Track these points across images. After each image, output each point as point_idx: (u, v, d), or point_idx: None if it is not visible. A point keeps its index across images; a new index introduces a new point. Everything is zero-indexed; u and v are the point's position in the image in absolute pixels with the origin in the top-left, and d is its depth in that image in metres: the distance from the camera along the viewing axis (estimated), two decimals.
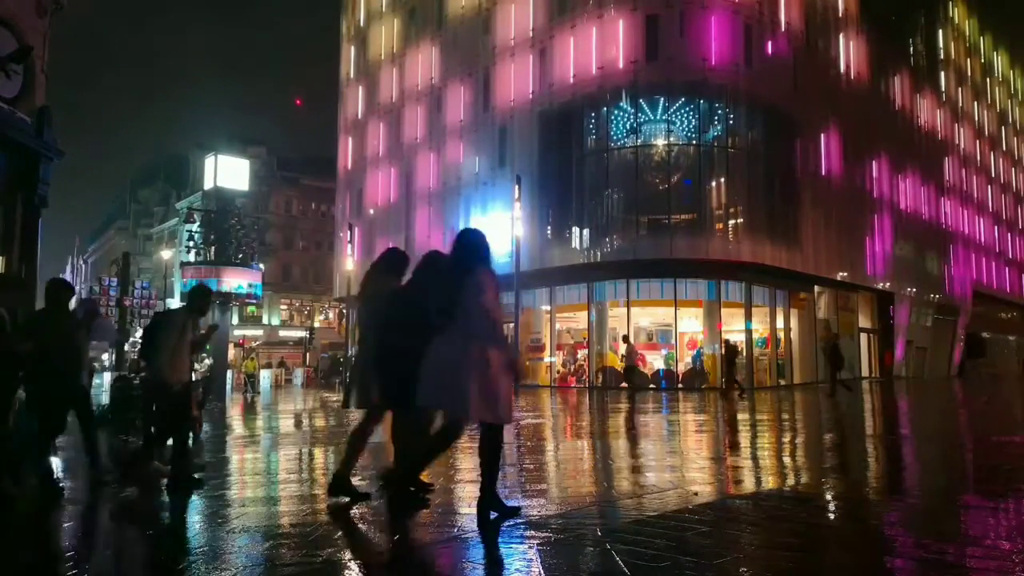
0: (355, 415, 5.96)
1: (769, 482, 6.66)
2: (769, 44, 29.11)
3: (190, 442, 7.51)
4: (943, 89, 44.91)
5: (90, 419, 6.72)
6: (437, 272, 5.08)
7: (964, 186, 47.19)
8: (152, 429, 7.75)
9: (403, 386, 4.93)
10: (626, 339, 21.82)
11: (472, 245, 4.90)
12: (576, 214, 28.82)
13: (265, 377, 40.18)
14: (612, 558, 3.87)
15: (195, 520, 5.39)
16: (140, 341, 6.86)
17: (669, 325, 27.56)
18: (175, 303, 53.93)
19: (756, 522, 4.99)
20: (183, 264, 30.72)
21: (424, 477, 5.71)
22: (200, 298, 6.76)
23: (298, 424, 14.42)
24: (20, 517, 5.58)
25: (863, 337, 34.75)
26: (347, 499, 5.47)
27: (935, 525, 4.91)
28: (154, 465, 6.97)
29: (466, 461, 7.36)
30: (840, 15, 34.38)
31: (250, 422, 15.06)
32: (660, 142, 27.74)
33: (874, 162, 36.08)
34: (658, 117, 27.71)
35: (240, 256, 27.77)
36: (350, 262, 38.59)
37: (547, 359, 29.62)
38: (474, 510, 4.72)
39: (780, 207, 28.61)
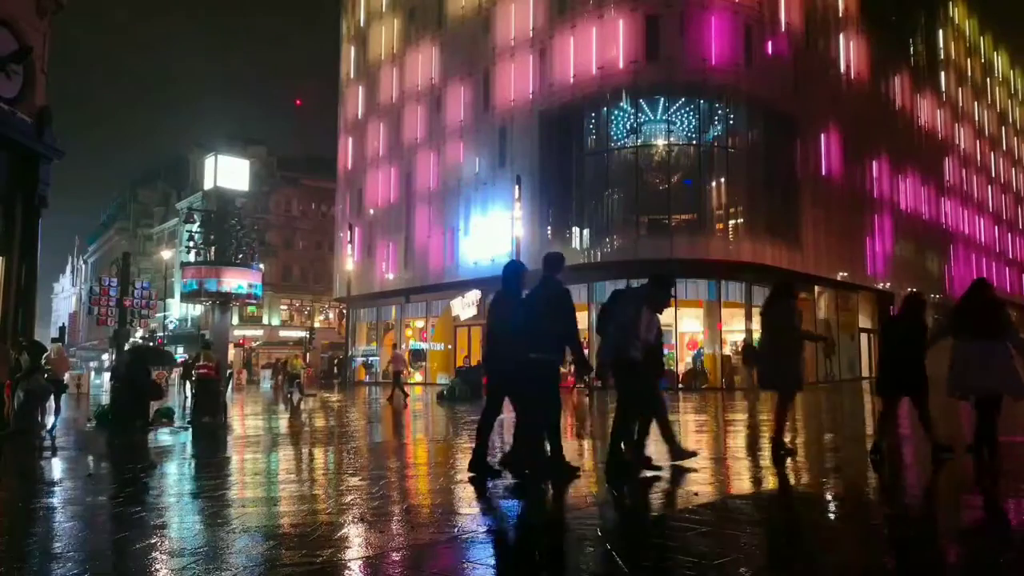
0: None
1: (769, 482, 6.65)
2: (769, 44, 29.11)
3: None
4: (943, 89, 44.90)
5: None
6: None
7: (964, 186, 47.18)
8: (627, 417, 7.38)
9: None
10: None
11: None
12: (576, 214, 28.80)
13: (265, 378, 40.21)
14: (612, 558, 3.87)
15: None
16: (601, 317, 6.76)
17: (669, 325, 27.49)
18: (175, 303, 54.07)
19: (756, 522, 4.99)
20: (183, 264, 30.64)
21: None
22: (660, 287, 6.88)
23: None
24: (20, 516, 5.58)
25: (863, 337, 34.72)
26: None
27: (936, 525, 4.90)
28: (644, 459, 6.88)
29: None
30: (840, 15, 34.37)
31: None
32: (660, 142, 27.73)
33: (874, 162, 36.07)
34: (658, 117, 27.71)
35: (240, 256, 27.83)
36: (350, 262, 38.61)
37: None
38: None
39: (780, 207, 28.60)
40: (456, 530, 4.66)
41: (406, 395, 22.28)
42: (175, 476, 7.71)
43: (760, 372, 8.38)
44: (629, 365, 6.47)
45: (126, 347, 21.76)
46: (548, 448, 6.36)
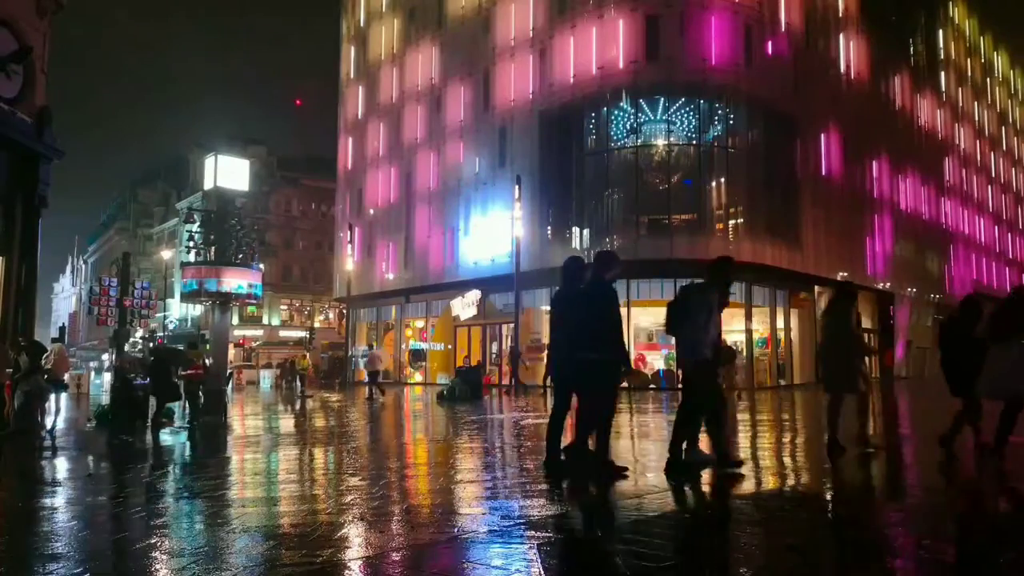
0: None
1: (769, 482, 6.65)
2: (769, 44, 29.10)
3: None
4: (943, 89, 44.90)
5: None
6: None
7: (964, 186, 47.18)
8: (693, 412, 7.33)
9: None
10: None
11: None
12: (576, 214, 28.80)
13: (265, 378, 40.22)
14: (612, 558, 3.87)
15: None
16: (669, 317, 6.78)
17: None
18: (175, 303, 54.08)
19: (756, 522, 4.99)
20: (183, 264, 30.62)
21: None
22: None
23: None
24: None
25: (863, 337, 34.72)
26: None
27: (935, 525, 4.90)
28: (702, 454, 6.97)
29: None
30: (840, 15, 34.36)
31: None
32: (660, 142, 27.73)
33: (874, 162, 36.07)
34: (658, 117, 27.71)
35: (240, 256, 27.81)
36: (350, 262, 38.60)
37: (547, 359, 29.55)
38: None
39: (780, 207, 28.59)
40: (456, 530, 4.66)
41: (382, 393, 22.42)
42: (175, 476, 7.71)
43: (824, 374, 8.40)
44: (703, 365, 6.57)
45: (123, 348, 21.79)
46: (594, 447, 6.55)
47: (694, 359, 6.65)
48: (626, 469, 6.67)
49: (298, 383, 24.43)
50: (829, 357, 8.07)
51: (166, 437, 11.35)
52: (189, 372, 13.73)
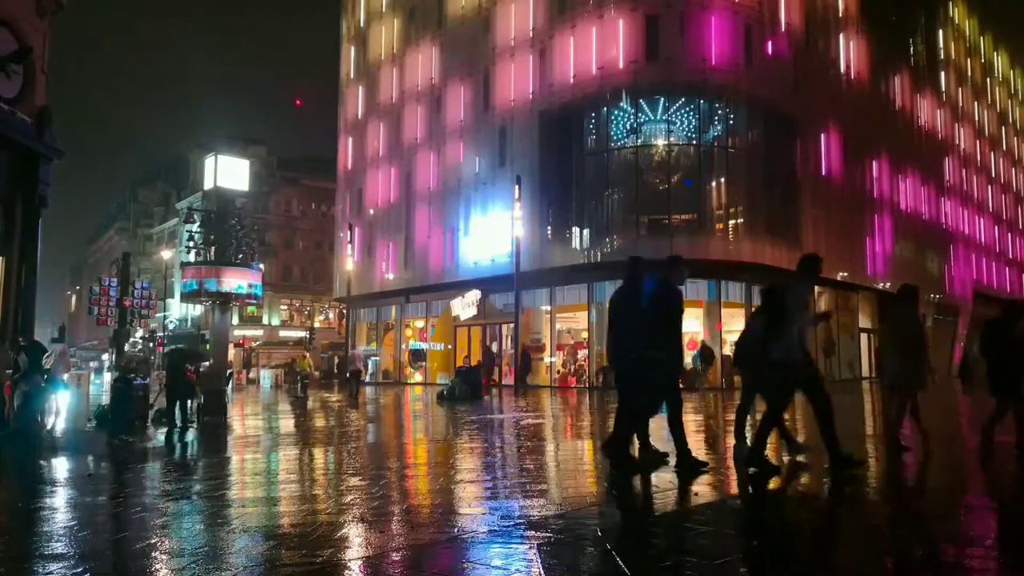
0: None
1: (769, 483, 6.64)
2: (769, 44, 29.09)
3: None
4: (943, 89, 44.89)
5: None
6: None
7: (964, 186, 47.16)
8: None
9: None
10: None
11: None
12: (576, 214, 28.79)
13: (266, 378, 40.23)
14: (612, 558, 3.87)
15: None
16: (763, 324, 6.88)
17: None
18: (175, 303, 54.09)
19: (756, 522, 4.99)
20: (183, 264, 30.58)
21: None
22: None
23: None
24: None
25: (863, 337, 34.71)
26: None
27: (935, 525, 4.90)
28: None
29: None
30: (840, 15, 34.36)
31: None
32: (660, 142, 27.71)
33: (874, 162, 36.05)
34: (658, 117, 27.69)
35: (240, 256, 27.76)
36: (350, 262, 38.60)
37: (547, 359, 29.59)
38: None
39: (780, 207, 28.58)
40: (456, 530, 4.66)
41: (358, 392, 22.46)
42: (175, 476, 7.71)
43: (887, 372, 8.56)
44: (795, 366, 6.59)
45: (124, 349, 21.81)
46: (675, 445, 6.83)
47: (788, 359, 6.53)
48: (706, 464, 6.90)
49: (298, 385, 24.26)
50: (898, 356, 8.16)
51: (163, 437, 11.35)
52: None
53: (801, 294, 6.81)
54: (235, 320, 43.13)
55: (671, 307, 6.74)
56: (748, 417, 8.04)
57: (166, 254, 54.26)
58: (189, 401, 13.16)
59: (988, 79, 53.24)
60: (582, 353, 28.93)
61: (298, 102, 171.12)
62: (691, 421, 13.47)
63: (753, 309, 8.55)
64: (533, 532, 4.48)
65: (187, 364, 13.42)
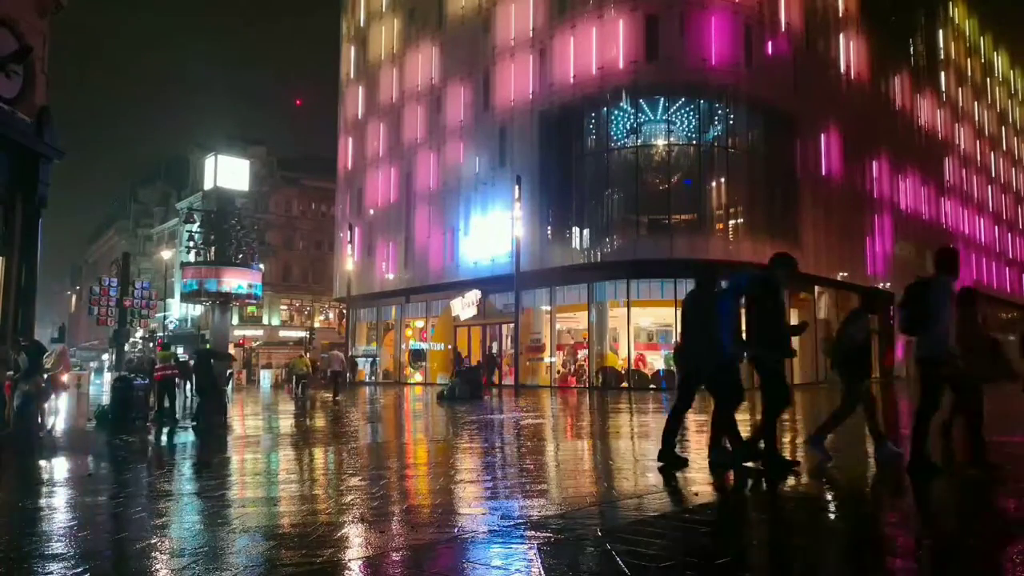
0: None
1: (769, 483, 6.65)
2: (769, 44, 29.10)
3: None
4: (943, 89, 44.89)
5: None
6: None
7: (964, 186, 47.16)
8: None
9: None
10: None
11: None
12: (576, 214, 28.79)
13: (265, 377, 40.23)
14: (612, 558, 3.87)
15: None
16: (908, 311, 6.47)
17: (669, 325, 27.51)
18: (175, 303, 54.11)
19: (756, 522, 4.99)
20: (183, 264, 30.60)
21: None
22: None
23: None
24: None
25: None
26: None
27: (935, 525, 4.91)
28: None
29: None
30: (840, 15, 34.36)
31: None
32: (660, 142, 27.71)
33: (874, 162, 36.06)
34: (658, 117, 27.69)
35: (240, 256, 27.72)
36: (350, 262, 38.61)
37: (547, 359, 29.60)
38: None
39: (780, 207, 28.58)
40: (456, 530, 4.66)
41: (337, 394, 22.41)
42: (175, 476, 7.71)
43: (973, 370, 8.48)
44: (951, 360, 6.41)
45: (146, 348, 21.81)
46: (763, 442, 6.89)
47: (938, 355, 6.26)
48: (798, 463, 7.06)
49: (299, 387, 24.14)
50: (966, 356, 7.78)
51: (166, 436, 11.36)
52: (165, 372, 13.94)
53: (946, 288, 6.34)
54: (235, 320, 43.12)
55: (776, 303, 7.18)
56: (876, 418, 7.67)
57: (166, 254, 54.25)
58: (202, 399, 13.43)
59: (988, 79, 53.23)
60: (582, 353, 28.93)
61: (298, 102, 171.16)
62: (691, 421, 13.48)
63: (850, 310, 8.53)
64: (533, 532, 4.48)
65: (213, 362, 13.91)
